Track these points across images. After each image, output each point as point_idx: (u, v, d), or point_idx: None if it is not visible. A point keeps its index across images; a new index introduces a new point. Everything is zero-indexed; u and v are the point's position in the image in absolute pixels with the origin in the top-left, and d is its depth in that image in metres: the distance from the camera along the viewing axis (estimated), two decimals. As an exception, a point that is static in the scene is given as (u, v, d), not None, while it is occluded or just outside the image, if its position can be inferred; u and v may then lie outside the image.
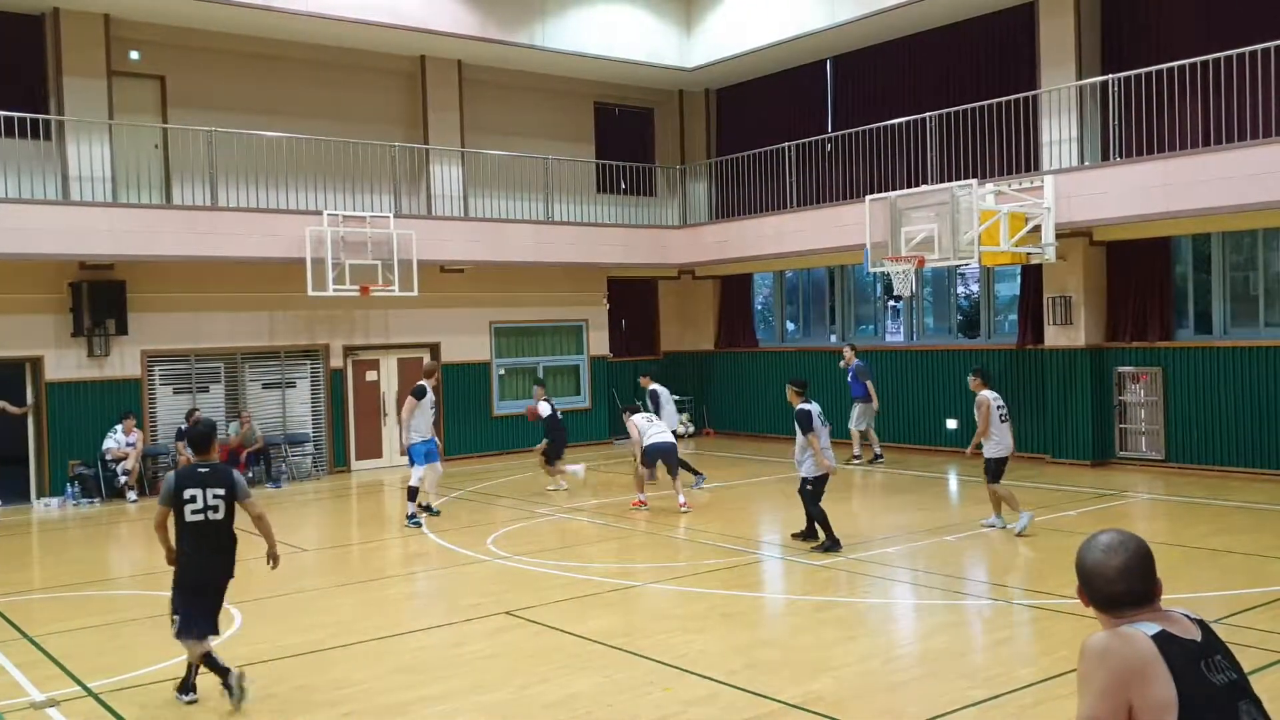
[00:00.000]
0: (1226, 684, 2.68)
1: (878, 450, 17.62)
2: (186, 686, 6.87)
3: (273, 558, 7.27)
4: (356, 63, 19.13)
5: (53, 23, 16.28)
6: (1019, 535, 11.30)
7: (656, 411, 15.78)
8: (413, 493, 13.25)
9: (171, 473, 7.14)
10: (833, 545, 10.88)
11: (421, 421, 13.42)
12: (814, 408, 11.14)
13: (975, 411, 11.85)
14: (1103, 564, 2.80)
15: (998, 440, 11.58)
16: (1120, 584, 2.78)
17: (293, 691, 7.05)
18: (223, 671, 6.70)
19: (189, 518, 6.74)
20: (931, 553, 10.92)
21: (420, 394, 13.43)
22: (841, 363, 18.06)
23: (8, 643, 8.34)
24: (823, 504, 11.00)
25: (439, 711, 6.62)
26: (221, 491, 6.78)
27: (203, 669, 6.80)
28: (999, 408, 11.64)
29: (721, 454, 19.73)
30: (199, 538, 6.76)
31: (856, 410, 17.55)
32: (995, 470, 11.62)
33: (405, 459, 15.93)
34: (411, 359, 19.64)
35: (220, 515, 6.79)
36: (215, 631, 6.88)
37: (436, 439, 13.81)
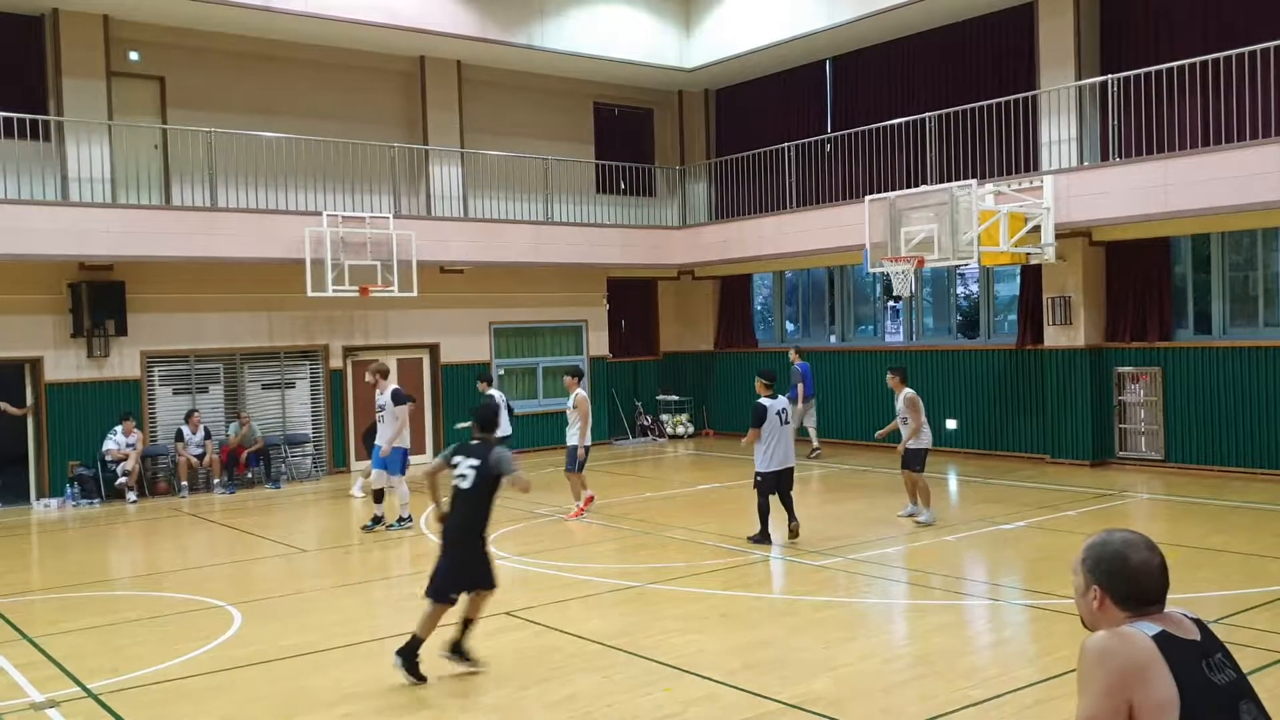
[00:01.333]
0: (1227, 683, 2.68)
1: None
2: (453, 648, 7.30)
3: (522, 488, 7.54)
4: (356, 63, 19.13)
5: (52, 23, 16.28)
6: (921, 524, 12.06)
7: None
8: (379, 495, 12.95)
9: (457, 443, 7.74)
10: (762, 538, 11.29)
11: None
12: (773, 404, 11.37)
13: (906, 409, 12.23)
14: (1150, 563, 2.79)
15: (927, 432, 12.41)
16: (1161, 581, 2.80)
17: (293, 692, 7.05)
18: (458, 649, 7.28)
19: (453, 481, 7.37)
20: (931, 553, 10.93)
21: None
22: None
23: (7, 644, 8.34)
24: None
25: (438, 712, 6.61)
26: (475, 463, 7.24)
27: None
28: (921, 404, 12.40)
29: (721, 454, 19.74)
30: (453, 501, 7.35)
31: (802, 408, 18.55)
32: (924, 460, 12.32)
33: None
34: (411, 359, 19.66)
35: (468, 485, 7.25)
36: (474, 584, 7.30)
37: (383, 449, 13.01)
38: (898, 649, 7.91)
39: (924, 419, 12.31)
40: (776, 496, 11.38)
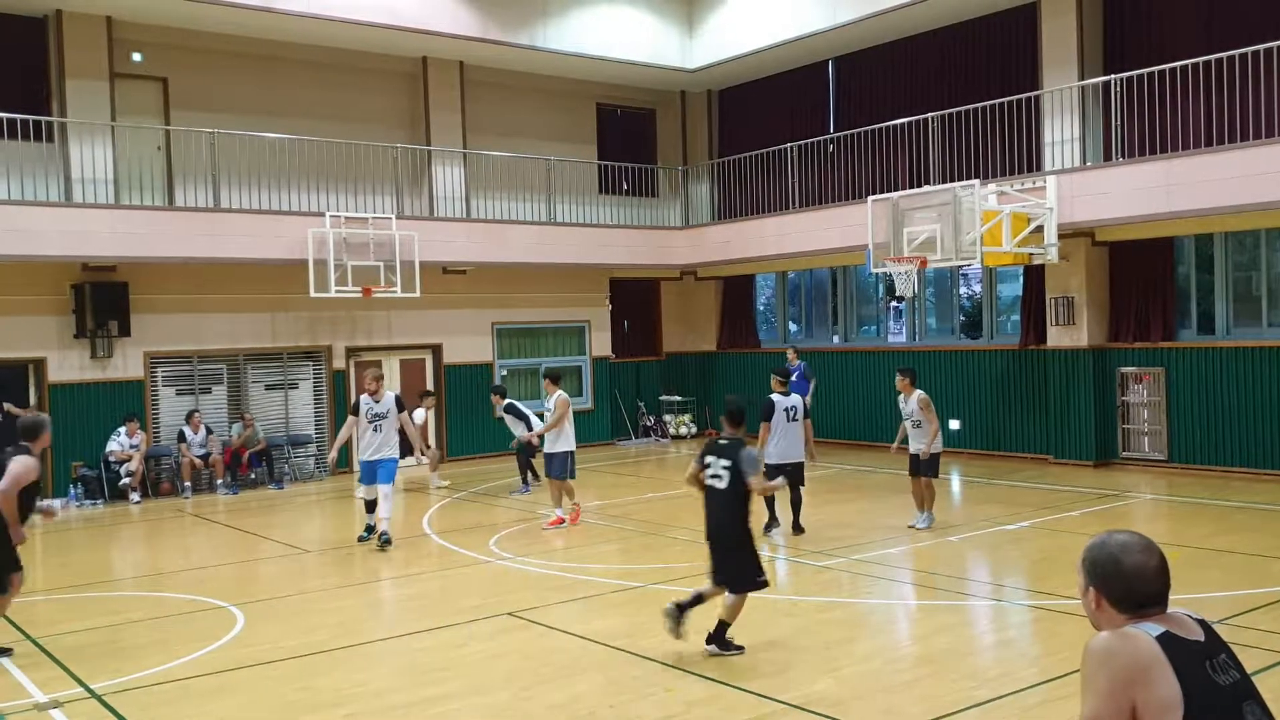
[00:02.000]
0: (1231, 684, 2.68)
1: None
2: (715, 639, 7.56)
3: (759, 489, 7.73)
4: (358, 64, 19.14)
5: (55, 25, 16.30)
6: (919, 530, 11.81)
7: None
8: (370, 506, 12.23)
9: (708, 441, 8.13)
10: (771, 524, 11.95)
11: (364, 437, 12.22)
12: (783, 400, 11.97)
13: (921, 412, 11.78)
14: (1145, 565, 2.79)
15: (940, 437, 12.12)
16: (1157, 584, 2.78)
17: (295, 692, 7.05)
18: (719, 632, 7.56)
19: (707, 481, 7.71)
20: (934, 553, 10.92)
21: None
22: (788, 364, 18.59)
23: (10, 644, 8.34)
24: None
25: (441, 712, 6.62)
26: (729, 463, 7.51)
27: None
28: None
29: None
30: (709, 500, 7.72)
31: None
32: (937, 466, 12.05)
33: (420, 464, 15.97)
34: (414, 360, 19.67)
35: (723, 484, 7.55)
36: (727, 584, 7.58)
37: (381, 458, 12.19)
38: (901, 649, 7.91)
39: (938, 422, 12.08)
40: (789, 491, 11.69)
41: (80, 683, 7.31)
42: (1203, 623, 2.79)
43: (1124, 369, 16.33)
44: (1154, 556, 2.80)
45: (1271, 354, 14.79)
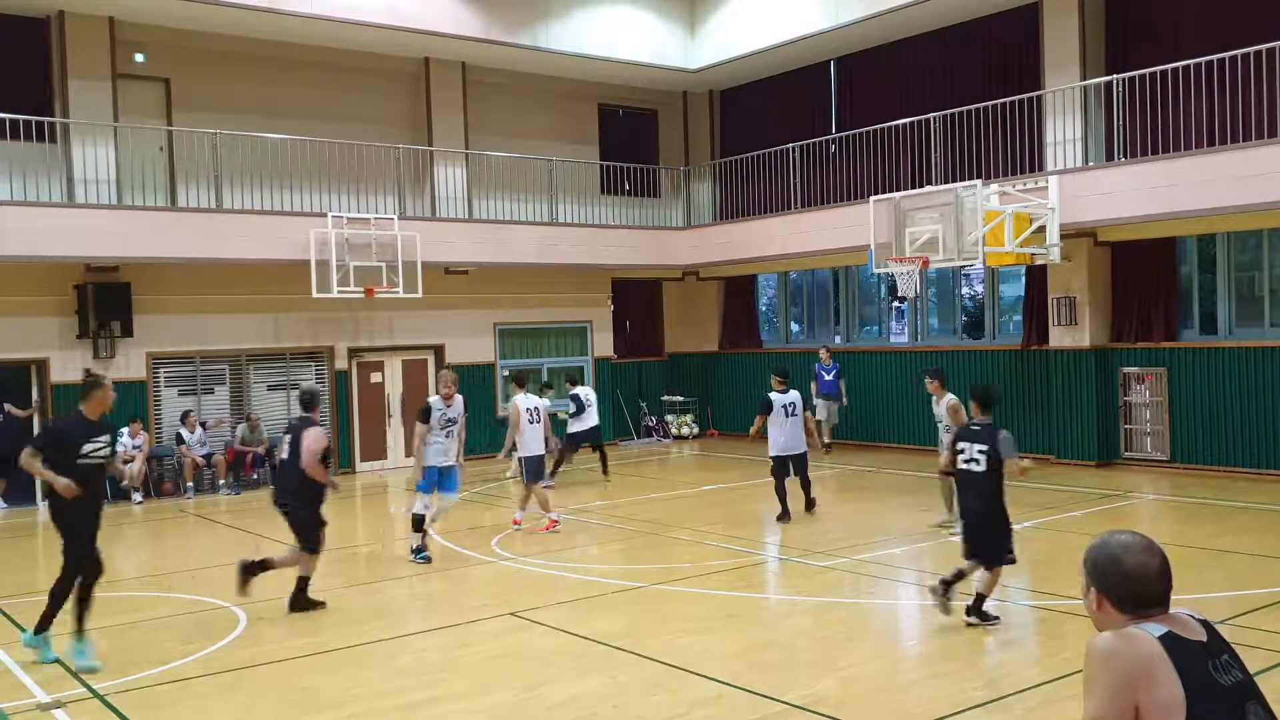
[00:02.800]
0: (1233, 684, 2.68)
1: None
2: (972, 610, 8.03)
3: None
4: (360, 65, 19.16)
5: (58, 25, 16.32)
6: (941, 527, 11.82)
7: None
8: (417, 521, 11.33)
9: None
10: (784, 517, 12.63)
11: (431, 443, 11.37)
12: (781, 397, 12.72)
13: (949, 416, 11.62)
14: (1146, 565, 2.79)
15: None
16: (1159, 584, 2.78)
17: (298, 693, 7.06)
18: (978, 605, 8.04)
19: (961, 465, 8.03)
20: (936, 553, 10.91)
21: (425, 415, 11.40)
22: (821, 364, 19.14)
23: (13, 644, 8.34)
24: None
25: (444, 712, 6.62)
26: (985, 447, 7.87)
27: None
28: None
29: (725, 455, 19.73)
30: (964, 484, 8.06)
31: (834, 406, 19.00)
32: None
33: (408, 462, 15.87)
34: (416, 360, 19.68)
35: (981, 468, 7.91)
36: (982, 559, 8.04)
37: (452, 464, 11.43)
38: (903, 650, 7.91)
39: None
40: (796, 480, 12.80)
41: (83, 683, 7.32)
42: (1205, 623, 2.79)
43: (1126, 369, 16.32)
44: (1155, 557, 2.80)
45: (1274, 354, 14.77)
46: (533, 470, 12.67)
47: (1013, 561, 8.15)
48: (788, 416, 12.63)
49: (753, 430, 13.07)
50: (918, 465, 17.26)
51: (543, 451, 12.91)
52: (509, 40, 19.21)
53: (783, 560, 11.04)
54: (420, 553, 11.15)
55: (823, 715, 6.29)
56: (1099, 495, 13.82)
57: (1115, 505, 13.28)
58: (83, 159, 16.17)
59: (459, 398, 11.52)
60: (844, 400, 19.13)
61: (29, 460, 7.54)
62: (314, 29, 17.63)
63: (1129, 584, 2.78)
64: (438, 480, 11.22)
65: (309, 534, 9.21)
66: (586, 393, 17.05)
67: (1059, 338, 16.75)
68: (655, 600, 9.32)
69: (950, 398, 11.83)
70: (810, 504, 13.04)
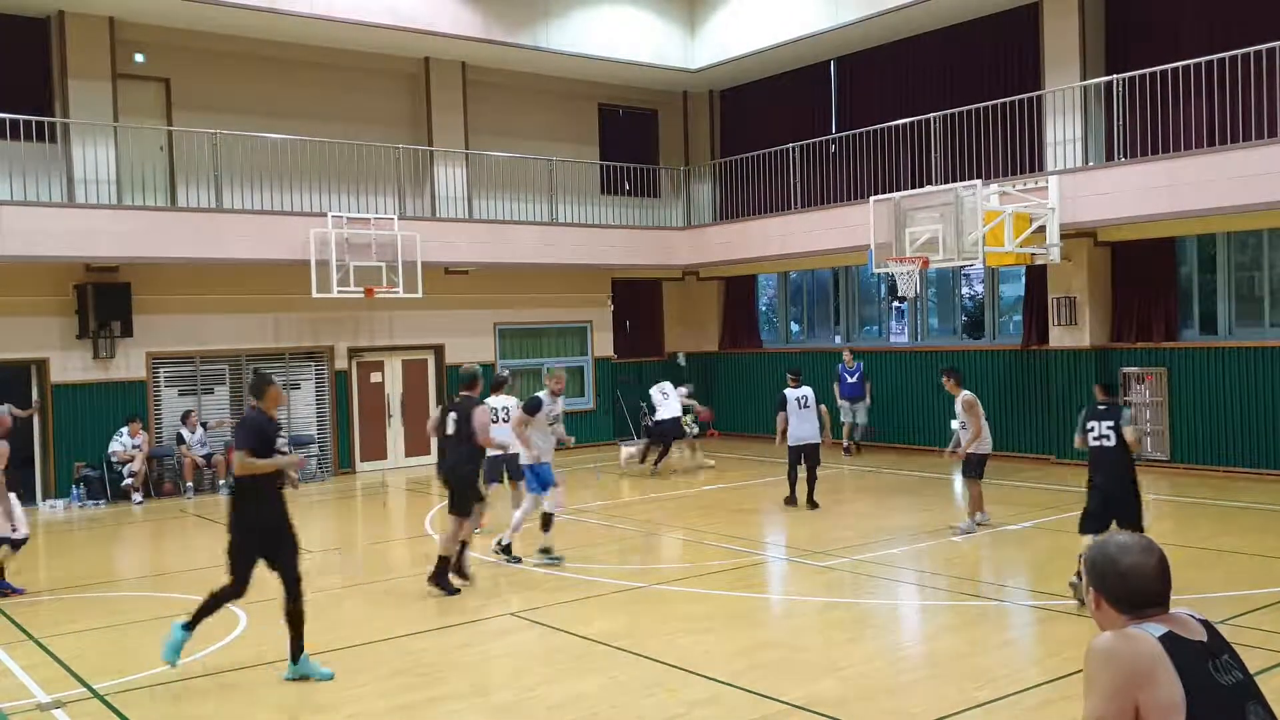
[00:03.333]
0: (1234, 684, 2.68)
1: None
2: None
3: None
4: (360, 65, 19.15)
5: (58, 25, 16.32)
6: (962, 531, 11.71)
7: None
8: (548, 520, 10.82)
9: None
10: (791, 500, 13.57)
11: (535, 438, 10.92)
12: (793, 392, 13.54)
13: (965, 412, 11.85)
14: (1143, 565, 2.79)
15: (987, 437, 12.06)
16: (1156, 584, 2.78)
17: (299, 693, 7.06)
18: None
19: (1092, 443, 8.84)
20: (936, 554, 10.91)
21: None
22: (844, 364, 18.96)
23: (13, 644, 8.36)
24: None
25: (445, 712, 6.62)
26: (1112, 424, 8.73)
27: None
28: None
29: (726, 455, 19.72)
30: (1099, 457, 8.85)
31: (860, 407, 18.87)
32: (982, 467, 11.96)
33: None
34: (416, 360, 19.68)
35: (1112, 443, 8.73)
36: (1123, 524, 8.49)
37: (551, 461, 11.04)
38: (903, 650, 7.91)
39: (984, 422, 12.01)
40: (805, 469, 13.52)
41: (83, 683, 7.32)
42: (1205, 623, 2.79)
43: (1126, 369, 16.32)
44: (1152, 557, 2.80)
45: (1274, 354, 14.77)
46: (489, 471, 11.99)
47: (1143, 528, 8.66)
48: (800, 408, 13.53)
49: (779, 428, 13.63)
50: (918, 465, 17.28)
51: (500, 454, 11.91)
52: (509, 40, 19.21)
53: (783, 560, 11.04)
54: (548, 553, 10.72)
55: (823, 715, 6.29)
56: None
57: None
58: (83, 159, 16.17)
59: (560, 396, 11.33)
60: (869, 400, 19.04)
61: (248, 464, 7.29)
62: (314, 29, 17.62)
63: (1124, 584, 2.79)
64: (540, 475, 10.80)
65: (466, 502, 9.84)
66: (663, 388, 17.36)
67: (1059, 338, 16.75)
68: (655, 600, 9.32)
69: (965, 394, 11.98)
70: (811, 501, 13.48)
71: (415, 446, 19.60)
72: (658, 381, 18.09)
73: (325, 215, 17.11)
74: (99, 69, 16.52)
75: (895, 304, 20.50)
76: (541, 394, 11.16)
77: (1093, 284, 16.37)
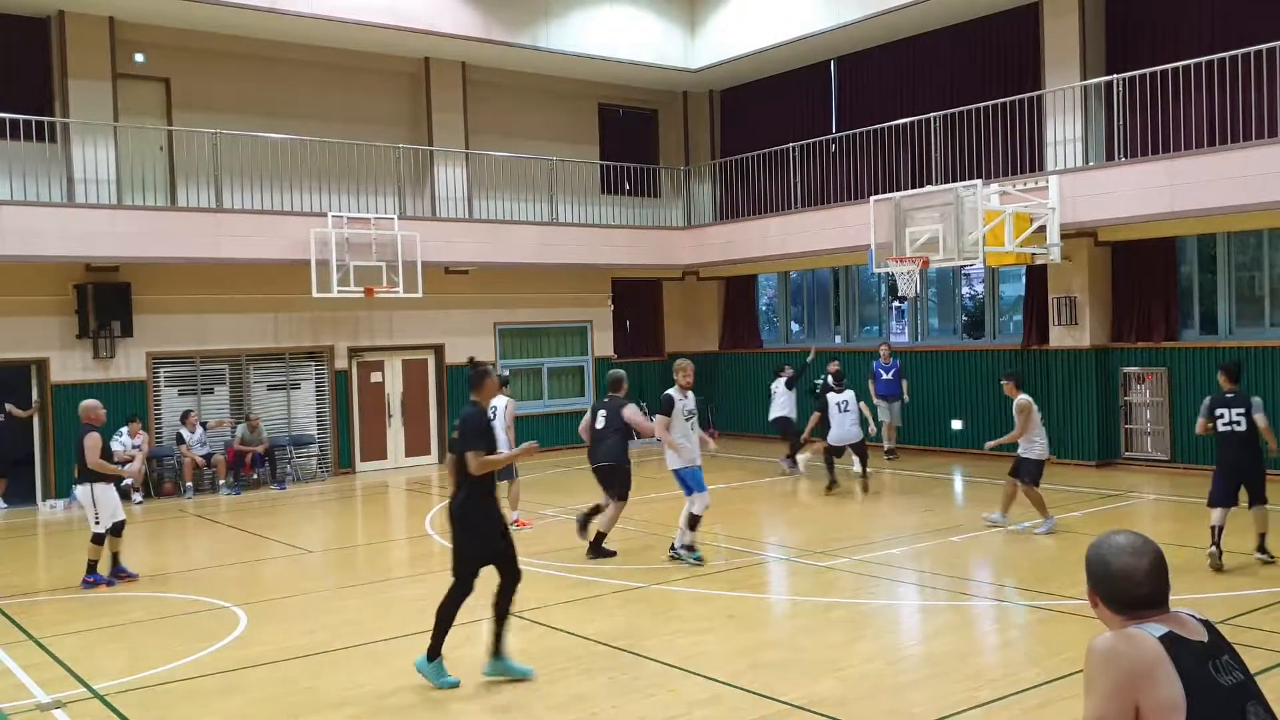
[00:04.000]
0: (1234, 685, 2.68)
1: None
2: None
3: None
4: (360, 65, 19.16)
5: (58, 25, 16.32)
6: (1034, 534, 11.50)
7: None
8: (696, 521, 10.59)
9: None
10: (831, 485, 14.75)
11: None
12: (836, 397, 14.61)
13: (1017, 415, 11.82)
14: (1132, 567, 2.80)
15: (1040, 441, 11.82)
16: (1147, 587, 2.78)
17: (298, 693, 7.06)
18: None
19: (1221, 429, 9.59)
20: (936, 554, 10.91)
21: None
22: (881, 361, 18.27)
23: (13, 645, 8.36)
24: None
25: (444, 712, 6.62)
26: (1242, 410, 9.52)
27: None
28: (1037, 411, 11.83)
29: (727, 455, 19.69)
30: (1229, 442, 9.60)
31: (896, 406, 18.13)
32: (1035, 472, 11.78)
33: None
34: (416, 360, 19.68)
35: (1243, 427, 9.51)
36: (1234, 503, 9.58)
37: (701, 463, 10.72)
38: (904, 650, 7.90)
39: (1038, 427, 11.80)
40: (845, 458, 14.91)
41: (83, 683, 7.32)
42: (1206, 623, 2.79)
43: (1127, 369, 16.32)
44: (1145, 559, 2.80)
45: (1274, 354, 14.77)
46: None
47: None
48: (840, 411, 14.60)
49: (810, 427, 15.30)
50: (919, 465, 17.27)
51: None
52: (509, 40, 19.21)
53: (783, 560, 11.04)
54: (693, 551, 10.49)
55: (823, 715, 6.29)
56: (1099, 495, 13.82)
57: (1115, 505, 13.28)
58: (83, 159, 16.17)
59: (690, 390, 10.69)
60: (906, 398, 18.08)
61: (487, 461, 6.97)
62: (314, 29, 17.62)
63: (1114, 585, 2.81)
64: (687, 479, 10.45)
65: (621, 487, 10.90)
66: (776, 385, 17.04)
67: (1059, 338, 16.74)
68: (655, 600, 9.32)
69: (1021, 398, 11.82)
70: (864, 485, 14.78)
71: (415, 446, 19.63)
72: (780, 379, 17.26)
73: (325, 215, 17.12)
74: (99, 69, 16.52)
75: (895, 304, 20.49)
76: (672, 390, 10.61)
77: (1093, 284, 16.37)
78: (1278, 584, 8.98)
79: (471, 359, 7.93)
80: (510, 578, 7.23)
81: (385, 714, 6.61)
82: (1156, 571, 2.80)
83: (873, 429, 15.35)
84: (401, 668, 7.49)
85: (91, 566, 10.38)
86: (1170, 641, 2.66)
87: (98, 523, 10.40)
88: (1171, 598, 2.85)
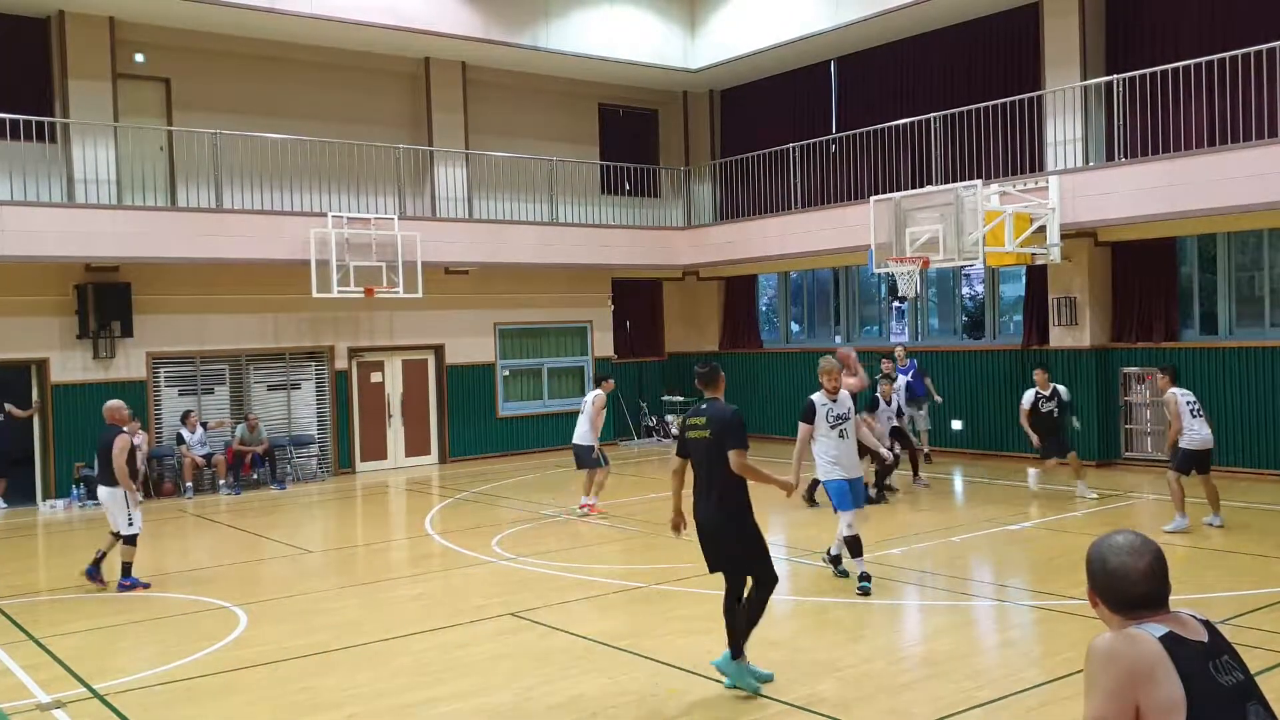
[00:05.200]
0: (1234, 685, 2.68)
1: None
2: None
3: None
4: (361, 65, 19.15)
5: (58, 25, 16.32)
6: (1166, 532, 11.20)
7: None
8: (855, 545, 9.40)
9: None
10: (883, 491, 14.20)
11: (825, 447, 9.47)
12: (886, 409, 14.37)
13: (1167, 409, 11.68)
14: (1129, 567, 2.80)
15: (1196, 432, 11.39)
16: (1143, 586, 2.78)
17: (298, 693, 7.05)
18: None
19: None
20: (936, 554, 10.91)
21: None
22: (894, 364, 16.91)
23: (13, 644, 8.36)
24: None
25: (444, 713, 6.62)
26: None
27: None
28: (1189, 403, 11.43)
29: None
30: None
31: (924, 410, 17.46)
32: (1183, 462, 11.42)
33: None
34: (416, 360, 19.67)
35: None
36: None
37: (859, 475, 9.80)
38: (904, 650, 7.90)
39: (1187, 419, 11.36)
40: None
41: (83, 683, 7.32)
42: (1206, 623, 2.79)
43: (1127, 369, 16.32)
44: (1142, 559, 2.80)
45: (1274, 354, 14.77)
46: (579, 457, 13.86)
47: None
48: (882, 417, 14.41)
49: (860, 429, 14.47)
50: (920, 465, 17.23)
51: (583, 443, 13.75)
52: (509, 40, 19.21)
53: (783, 560, 11.03)
54: (864, 580, 9.20)
55: (822, 715, 6.29)
56: (1099, 495, 13.81)
57: (1116, 505, 13.27)
58: (83, 159, 16.17)
59: (844, 391, 9.48)
60: (937, 398, 17.37)
61: (747, 465, 7.00)
62: (314, 29, 17.62)
63: (1111, 585, 2.82)
64: (850, 494, 9.45)
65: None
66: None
67: (1059, 338, 16.74)
68: (655, 600, 9.32)
69: (1169, 393, 11.51)
70: (916, 474, 15.07)
71: (415, 447, 19.63)
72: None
73: (325, 215, 17.12)
74: (99, 69, 16.52)
75: (895, 304, 20.49)
76: (815, 395, 9.42)
77: (1093, 284, 16.37)
78: (1278, 584, 8.97)
79: (706, 362, 7.62)
80: (766, 582, 7.02)
81: (384, 714, 6.61)
82: (1155, 571, 2.80)
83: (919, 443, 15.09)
84: (401, 668, 7.50)
85: (126, 569, 10.23)
86: (1170, 641, 2.66)
87: (131, 523, 10.25)
88: (1172, 597, 2.85)
